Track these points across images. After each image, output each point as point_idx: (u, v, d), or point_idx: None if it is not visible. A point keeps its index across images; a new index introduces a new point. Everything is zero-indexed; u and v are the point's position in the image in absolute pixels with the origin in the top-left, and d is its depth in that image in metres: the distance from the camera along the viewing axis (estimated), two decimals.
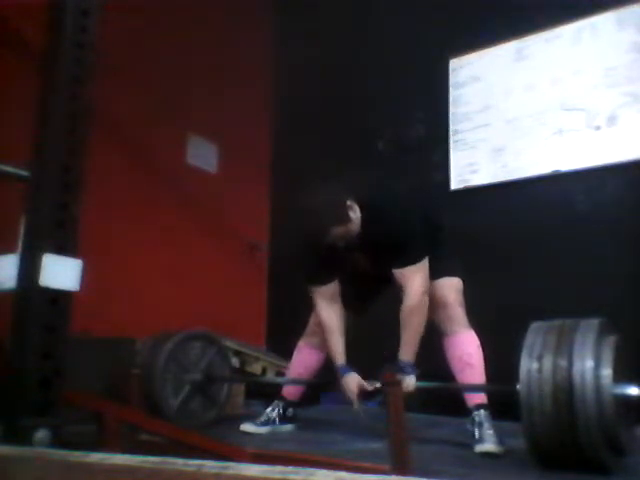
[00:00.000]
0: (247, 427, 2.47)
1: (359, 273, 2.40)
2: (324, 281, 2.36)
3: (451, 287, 2.32)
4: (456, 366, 2.26)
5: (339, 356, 2.32)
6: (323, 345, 2.56)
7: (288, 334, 2.68)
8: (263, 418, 2.52)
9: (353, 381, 2.24)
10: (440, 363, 2.30)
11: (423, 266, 2.20)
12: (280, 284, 4.18)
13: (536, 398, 1.62)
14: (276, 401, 2.58)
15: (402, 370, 2.13)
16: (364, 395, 2.23)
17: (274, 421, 2.52)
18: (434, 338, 2.30)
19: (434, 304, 2.29)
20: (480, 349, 2.26)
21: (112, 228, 3.07)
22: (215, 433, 2.15)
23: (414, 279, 2.18)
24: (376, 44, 3.99)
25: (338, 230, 2.12)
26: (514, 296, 3.06)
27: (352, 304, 2.47)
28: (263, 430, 2.46)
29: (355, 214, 2.17)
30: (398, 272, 2.21)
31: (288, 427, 2.55)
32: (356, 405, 2.24)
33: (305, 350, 2.59)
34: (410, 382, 2.11)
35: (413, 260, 2.19)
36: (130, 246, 3.25)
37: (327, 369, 2.61)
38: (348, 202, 2.15)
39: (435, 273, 2.30)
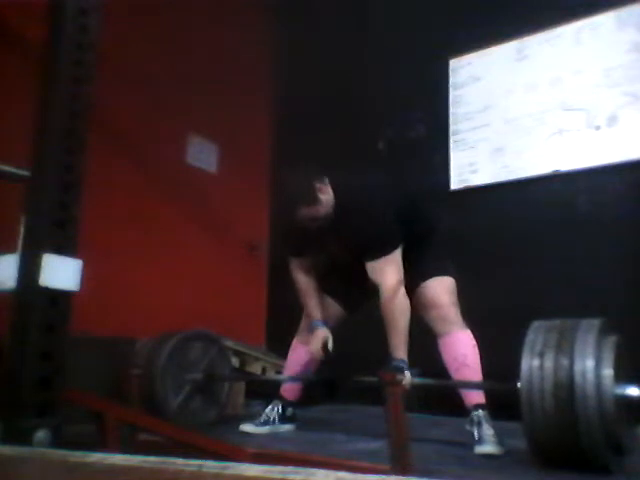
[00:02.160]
0: (247, 427, 2.47)
1: (344, 266, 2.42)
2: (299, 253, 2.45)
3: (442, 287, 2.32)
4: (452, 367, 2.25)
5: (315, 312, 2.43)
6: None
7: (288, 334, 2.68)
8: (263, 418, 2.51)
9: (321, 333, 2.37)
10: (440, 363, 2.30)
11: (394, 258, 2.20)
12: (280, 284, 4.16)
13: (537, 395, 1.62)
14: (275, 401, 2.58)
15: (397, 368, 2.12)
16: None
17: (274, 421, 2.52)
18: (431, 337, 2.30)
19: (426, 305, 2.29)
20: (476, 349, 2.25)
21: (112, 228, 3.07)
22: (215, 433, 2.14)
23: (386, 271, 2.18)
24: (376, 44, 3.99)
25: (307, 211, 2.14)
26: (514, 296, 3.06)
27: (343, 299, 2.48)
28: (263, 430, 2.46)
29: (325, 196, 2.18)
30: (370, 265, 2.22)
31: (288, 427, 2.55)
32: (317, 356, 2.37)
33: (300, 348, 2.58)
34: (406, 380, 2.10)
35: (383, 252, 2.19)
36: (130, 246, 3.24)
37: (328, 369, 2.61)
38: (318, 184, 2.16)
39: (425, 274, 2.31)
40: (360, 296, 2.47)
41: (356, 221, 2.19)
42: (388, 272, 2.18)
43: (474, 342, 2.26)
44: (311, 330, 2.42)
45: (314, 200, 2.14)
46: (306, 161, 2.25)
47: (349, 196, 2.22)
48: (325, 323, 2.42)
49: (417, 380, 2.13)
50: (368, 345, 2.51)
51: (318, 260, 2.48)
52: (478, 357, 2.24)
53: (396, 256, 2.20)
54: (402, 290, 2.20)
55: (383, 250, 2.19)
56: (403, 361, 2.16)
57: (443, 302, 2.29)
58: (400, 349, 2.17)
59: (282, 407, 2.55)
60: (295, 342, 2.61)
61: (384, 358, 2.18)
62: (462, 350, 2.24)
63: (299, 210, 2.13)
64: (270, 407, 2.56)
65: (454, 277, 2.36)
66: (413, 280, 2.27)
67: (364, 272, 2.25)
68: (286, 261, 2.52)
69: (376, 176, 2.53)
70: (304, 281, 2.47)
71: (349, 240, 2.28)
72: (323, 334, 2.38)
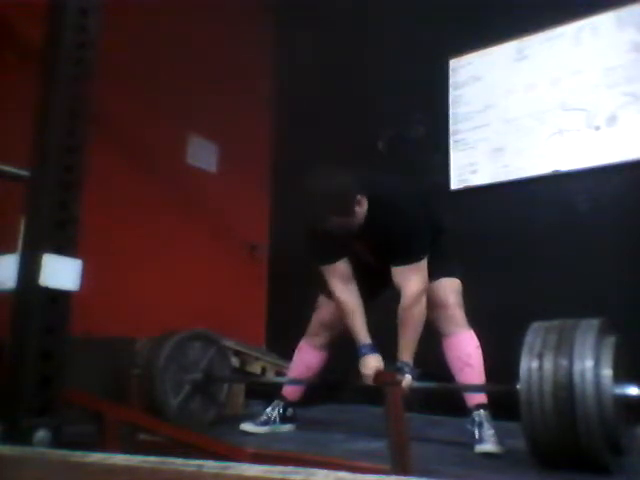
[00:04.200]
0: (247, 427, 2.47)
1: (361, 264, 2.38)
2: (334, 258, 2.29)
3: (451, 288, 2.33)
4: (455, 366, 2.27)
5: (363, 335, 2.25)
6: (325, 345, 2.56)
7: (288, 334, 2.68)
8: (263, 418, 2.52)
9: (373, 361, 2.19)
10: (440, 363, 2.30)
11: (422, 266, 2.19)
12: (280, 284, 4.18)
13: (536, 395, 1.62)
14: (276, 401, 2.58)
15: (399, 370, 2.13)
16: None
17: (274, 421, 2.52)
18: (434, 338, 2.31)
19: (433, 305, 2.29)
20: (479, 349, 2.26)
21: (112, 228, 3.07)
22: (215, 433, 2.15)
23: (412, 278, 2.17)
24: (376, 44, 3.99)
25: (338, 220, 2.10)
26: (514, 296, 3.06)
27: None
28: (263, 430, 2.46)
29: (361, 209, 2.15)
30: (397, 270, 2.20)
31: (288, 427, 2.55)
32: (371, 382, 2.16)
33: (306, 350, 2.58)
34: (406, 382, 2.11)
35: (413, 259, 2.18)
36: (130, 246, 3.25)
37: (328, 370, 2.61)
38: (358, 196, 2.12)
39: (435, 274, 2.30)
40: (372, 295, 2.47)
41: (390, 227, 2.16)
42: (414, 279, 2.17)
43: (477, 343, 2.27)
44: (361, 354, 2.23)
45: (349, 213, 2.10)
46: (341, 169, 2.14)
47: (384, 202, 2.17)
48: (375, 348, 2.24)
49: (417, 384, 2.14)
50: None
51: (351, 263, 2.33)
52: (481, 357, 2.26)
53: (424, 264, 2.19)
54: (424, 299, 2.19)
55: (413, 257, 2.18)
56: (407, 364, 2.17)
57: (450, 303, 2.29)
58: (407, 353, 2.18)
59: (283, 407, 2.55)
60: (302, 344, 2.60)
61: (388, 360, 2.19)
62: (466, 350, 2.26)
63: (330, 219, 2.08)
64: (271, 407, 2.56)
65: (462, 278, 2.36)
66: None
67: (382, 273, 2.24)
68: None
69: (409, 182, 2.46)
70: (346, 296, 2.29)
71: (379, 244, 2.25)
72: (376, 363, 2.19)
